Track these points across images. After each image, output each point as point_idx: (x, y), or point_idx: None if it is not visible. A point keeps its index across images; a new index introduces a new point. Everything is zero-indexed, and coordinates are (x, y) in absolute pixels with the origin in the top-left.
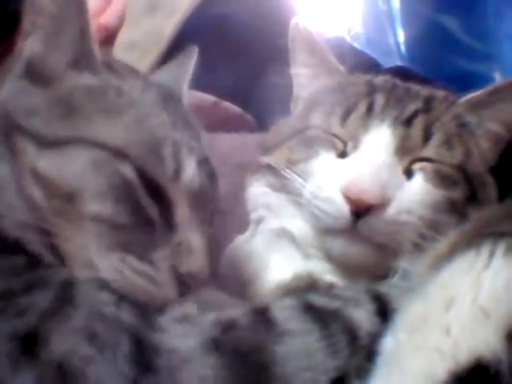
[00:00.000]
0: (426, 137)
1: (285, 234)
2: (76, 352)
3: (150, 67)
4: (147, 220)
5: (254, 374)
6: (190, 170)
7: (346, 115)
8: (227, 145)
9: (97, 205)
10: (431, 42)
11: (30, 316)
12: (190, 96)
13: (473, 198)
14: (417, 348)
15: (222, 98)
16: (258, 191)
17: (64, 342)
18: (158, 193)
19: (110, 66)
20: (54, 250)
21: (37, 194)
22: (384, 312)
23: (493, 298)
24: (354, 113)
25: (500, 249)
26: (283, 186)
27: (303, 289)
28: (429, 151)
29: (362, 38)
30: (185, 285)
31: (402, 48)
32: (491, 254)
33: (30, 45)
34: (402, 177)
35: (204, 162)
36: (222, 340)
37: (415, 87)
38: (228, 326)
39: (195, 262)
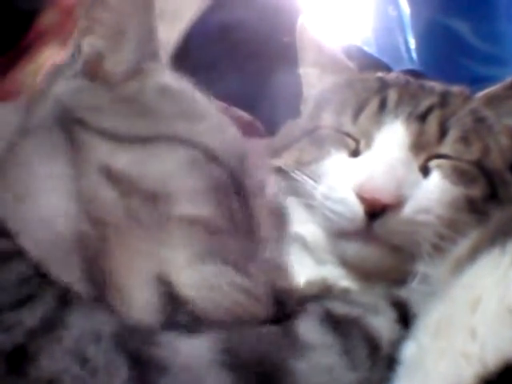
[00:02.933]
0: (442, 133)
1: (297, 239)
2: (67, 372)
3: None
4: (242, 227)
5: None
6: (272, 186)
7: (357, 112)
8: None
9: (191, 206)
10: (442, 46)
11: (15, 333)
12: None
13: (493, 196)
14: (441, 352)
15: (231, 104)
16: None
17: (54, 362)
18: (243, 206)
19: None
20: (90, 269)
21: (108, 193)
22: (404, 318)
23: None
24: (366, 110)
25: None
26: (294, 189)
27: (317, 295)
28: (445, 147)
29: (372, 44)
30: (281, 303)
31: (413, 54)
32: None
33: (90, 43)
34: (419, 174)
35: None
36: (238, 354)
37: (429, 83)
38: (245, 339)
39: (287, 278)
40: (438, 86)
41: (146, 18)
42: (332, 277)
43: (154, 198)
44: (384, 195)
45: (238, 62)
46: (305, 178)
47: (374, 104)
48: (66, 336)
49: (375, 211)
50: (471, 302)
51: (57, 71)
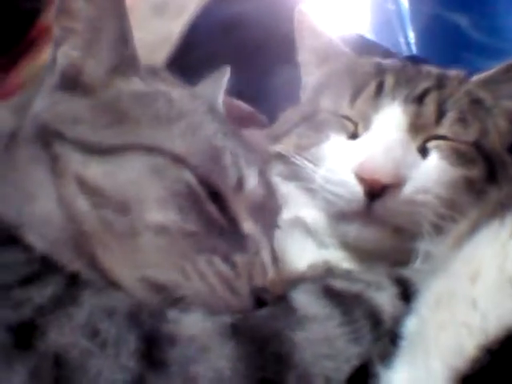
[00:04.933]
0: (440, 114)
1: (298, 224)
2: (75, 345)
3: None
4: (217, 225)
5: (272, 364)
6: (253, 180)
7: (355, 96)
8: None
9: (159, 213)
10: (442, 40)
11: (24, 308)
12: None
13: (492, 177)
14: (442, 324)
15: (234, 97)
16: None
17: (63, 336)
18: (221, 205)
19: (156, 72)
20: (91, 264)
21: (82, 203)
22: (407, 295)
23: None
24: (364, 93)
25: None
26: (294, 174)
27: (320, 276)
28: (443, 129)
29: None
30: (259, 300)
31: (413, 48)
32: None
33: (64, 53)
34: (417, 155)
35: (262, 174)
36: (239, 326)
37: (426, 67)
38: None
39: (267, 275)
40: (434, 69)
41: (117, 21)
42: (334, 259)
43: (124, 208)
44: (383, 175)
45: (243, 55)
46: (304, 161)
47: (371, 87)
48: (76, 312)
49: (375, 192)
50: (471, 274)
51: (38, 83)
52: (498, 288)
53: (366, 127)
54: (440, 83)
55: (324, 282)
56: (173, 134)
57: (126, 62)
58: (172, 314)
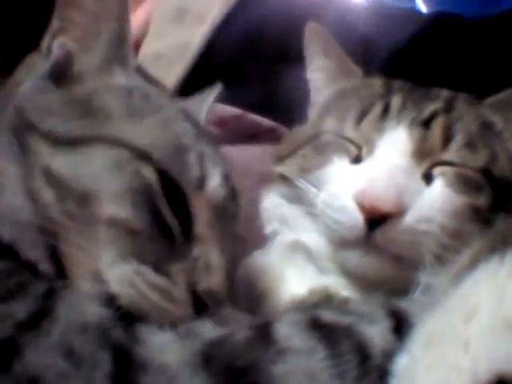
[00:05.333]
0: (447, 139)
1: (299, 248)
2: (52, 367)
3: (176, 80)
4: (165, 228)
5: None
6: (215, 180)
7: (360, 118)
8: (246, 157)
9: (113, 207)
10: None
11: (5, 325)
12: (213, 109)
13: (500, 205)
14: (432, 365)
15: (257, 109)
16: (273, 203)
17: (39, 356)
18: (178, 201)
19: (142, 72)
20: (55, 256)
21: (48, 195)
22: (401, 329)
23: None
24: (369, 115)
25: None
26: (297, 197)
27: (317, 304)
28: (450, 154)
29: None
30: (201, 303)
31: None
32: None
33: (60, 44)
34: (421, 182)
35: (227, 179)
36: (212, 355)
37: (436, 89)
38: (222, 341)
39: (213, 279)
40: (444, 91)
41: (120, 22)
42: (334, 286)
43: (85, 200)
44: (384, 203)
45: (266, 64)
46: (307, 185)
47: (376, 109)
48: (52, 328)
49: (375, 220)
50: (466, 313)
51: (26, 70)
52: (491, 331)
53: (370, 151)
54: (449, 106)
55: (313, 313)
56: (142, 128)
57: (117, 57)
58: (143, 331)
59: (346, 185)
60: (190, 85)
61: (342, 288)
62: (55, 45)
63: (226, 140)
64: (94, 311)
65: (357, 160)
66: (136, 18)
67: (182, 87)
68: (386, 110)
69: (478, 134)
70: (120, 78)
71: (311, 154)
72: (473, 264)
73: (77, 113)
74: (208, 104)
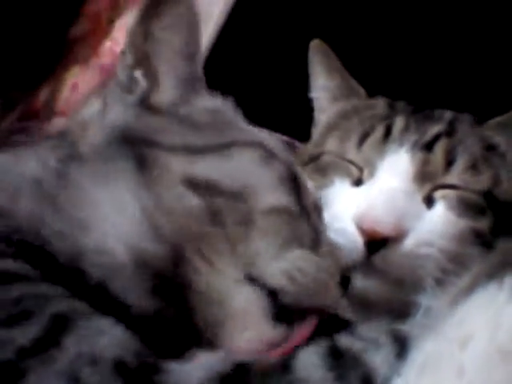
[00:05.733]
0: (449, 162)
1: None
2: None
3: None
4: (305, 214)
5: None
6: (310, 184)
7: (361, 139)
8: None
9: (272, 196)
10: None
11: (6, 350)
12: None
13: (503, 228)
14: None
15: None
16: None
17: (42, 381)
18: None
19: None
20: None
21: (191, 202)
22: (405, 354)
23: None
24: (371, 137)
25: None
26: None
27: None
28: (452, 177)
29: None
30: (346, 280)
31: None
32: None
33: (144, 74)
34: (422, 205)
35: None
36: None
37: (440, 110)
38: (240, 367)
39: (342, 259)
40: (447, 113)
41: (192, 44)
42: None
43: (236, 197)
44: (383, 227)
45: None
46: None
47: (378, 131)
48: (59, 357)
49: (375, 243)
50: (461, 339)
51: (103, 99)
52: (486, 358)
53: (371, 174)
54: (451, 128)
55: (332, 341)
56: (256, 133)
57: (194, 82)
58: (171, 371)
59: (346, 207)
60: None
61: (345, 310)
62: (138, 76)
63: None
64: (111, 344)
65: (358, 182)
66: None
67: None
68: (387, 133)
69: (481, 157)
70: (204, 101)
71: (313, 174)
72: (472, 288)
73: (192, 128)
74: None
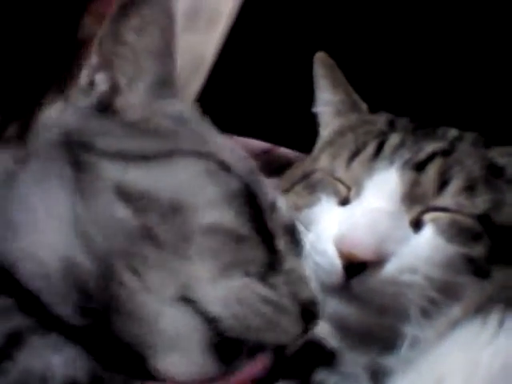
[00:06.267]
0: (442, 183)
1: None
2: None
3: (191, 101)
4: (264, 235)
5: None
6: (283, 203)
7: (352, 157)
8: None
9: (213, 213)
10: None
11: None
12: (240, 143)
13: (502, 257)
14: None
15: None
16: None
17: None
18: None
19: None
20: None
21: (120, 212)
22: None
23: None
24: (361, 154)
25: (511, 319)
26: None
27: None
28: (444, 199)
29: None
30: (309, 314)
31: None
32: (499, 325)
33: (105, 78)
34: (408, 229)
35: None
36: None
37: (444, 128)
38: None
39: (311, 289)
40: (452, 131)
41: (164, 59)
42: (322, 333)
43: (173, 211)
44: (362, 250)
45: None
46: (298, 224)
47: (370, 148)
48: (11, 369)
49: (353, 267)
50: (435, 380)
51: (63, 104)
52: None
53: (358, 193)
54: (451, 148)
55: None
56: (215, 145)
57: (164, 86)
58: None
59: (328, 227)
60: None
61: (329, 336)
62: (99, 79)
63: None
64: (59, 362)
65: (345, 202)
66: None
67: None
68: (378, 150)
69: (481, 178)
70: (177, 105)
71: (303, 191)
72: (459, 322)
73: (138, 133)
74: None
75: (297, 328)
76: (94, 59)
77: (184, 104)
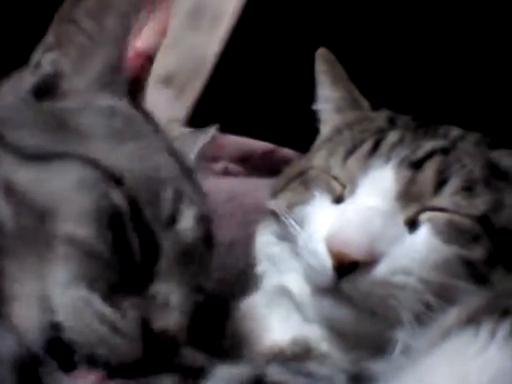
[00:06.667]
0: (440, 182)
1: (284, 292)
2: None
3: (191, 103)
4: (127, 257)
5: None
6: (187, 222)
7: (347, 154)
8: (239, 189)
9: (73, 225)
10: None
11: None
12: (242, 143)
13: (503, 261)
14: None
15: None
16: (264, 240)
17: None
18: (145, 233)
19: (138, 104)
20: None
21: (5, 208)
22: None
23: None
24: (357, 151)
25: (502, 331)
26: (285, 234)
27: (297, 356)
28: (442, 199)
29: None
30: (155, 343)
31: None
32: (491, 336)
33: (52, 60)
34: (403, 228)
35: (203, 222)
36: None
37: (447, 127)
38: None
39: (170, 319)
40: (455, 130)
41: (117, 47)
42: (314, 338)
43: (43, 215)
44: (352, 250)
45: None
46: (292, 222)
47: (366, 146)
48: None
49: (344, 267)
50: None
51: (12, 83)
52: None
53: (352, 191)
54: (451, 146)
55: (260, 370)
56: (118, 152)
57: (109, 85)
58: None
59: (320, 226)
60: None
61: (321, 340)
62: (46, 60)
63: (252, 175)
64: (9, 347)
65: (339, 200)
66: (149, 32)
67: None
68: (375, 147)
69: (482, 178)
70: (105, 101)
71: (298, 188)
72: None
73: (50, 128)
74: (203, 141)
75: (135, 352)
76: (48, 38)
77: (121, 102)
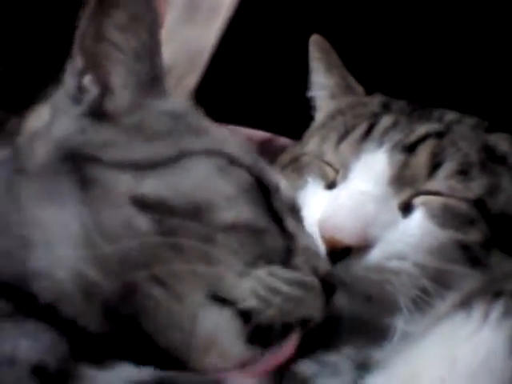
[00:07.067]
0: (435, 165)
1: None
2: None
3: (188, 94)
4: (279, 223)
5: None
6: (284, 184)
7: (340, 139)
8: None
9: (232, 211)
10: None
11: None
12: (238, 133)
13: (499, 243)
14: None
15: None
16: None
17: None
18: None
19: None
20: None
21: (144, 222)
22: None
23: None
24: (350, 136)
25: (495, 312)
26: None
27: None
28: (436, 183)
29: None
30: (329, 286)
31: None
32: (484, 318)
33: (92, 81)
34: (397, 213)
35: None
36: None
37: (442, 110)
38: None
39: (325, 261)
40: (450, 114)
41: (150, 56)
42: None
43: (192, 215)
44: (345, 235)
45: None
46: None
47: (359, 130)
48: None
49: (337, 252)
50: (407, 378)
51: (51, 109)
52: None
53: (345, 176)
54: (446, 130)
55: None
56: (216, 138)
57: (153, 94)
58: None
59: (313, 211)
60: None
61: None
62: (87, 82)
63: None
64: (29, 347)
65: (332, 185)
66: None
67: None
68: (368, 131)
69: (477, 162)
70: (164, 105)
71: (291, 175)
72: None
73: (141, 138)
74: None
75: (321, 301)
76: (77, 61)
77: (175, 99)
